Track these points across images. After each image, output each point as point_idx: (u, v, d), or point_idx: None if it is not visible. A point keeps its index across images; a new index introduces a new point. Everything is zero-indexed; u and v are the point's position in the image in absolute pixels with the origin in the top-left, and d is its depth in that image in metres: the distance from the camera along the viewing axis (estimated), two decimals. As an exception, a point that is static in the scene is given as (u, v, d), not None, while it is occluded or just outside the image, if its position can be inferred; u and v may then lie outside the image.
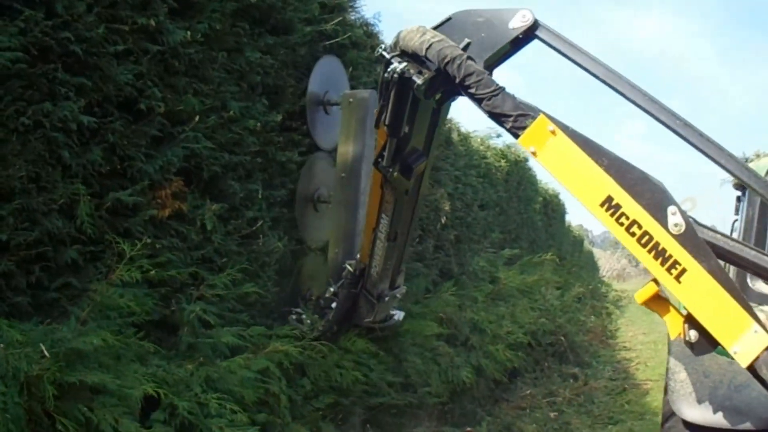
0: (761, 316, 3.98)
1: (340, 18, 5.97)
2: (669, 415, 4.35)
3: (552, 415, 9.40)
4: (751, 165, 4.94)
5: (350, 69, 6.17)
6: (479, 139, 10.86)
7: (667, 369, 4.44)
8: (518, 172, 13.09)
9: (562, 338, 11.87)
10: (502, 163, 11.88)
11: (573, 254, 21.45)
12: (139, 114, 4.02)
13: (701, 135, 3.46)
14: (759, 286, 4.76)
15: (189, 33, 4.23)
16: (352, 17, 6.54)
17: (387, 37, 7.00)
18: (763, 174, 4.69)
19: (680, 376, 4.23)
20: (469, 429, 7.39)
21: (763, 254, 3.55)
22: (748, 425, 3.83)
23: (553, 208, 17.32)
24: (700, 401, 4.03)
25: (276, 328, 4.62)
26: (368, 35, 6.77)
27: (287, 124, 5.49)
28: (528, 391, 9.95)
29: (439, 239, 8.41)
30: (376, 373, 5.19)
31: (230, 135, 4.72)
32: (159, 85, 4.12)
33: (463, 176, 9.47)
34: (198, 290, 4.14)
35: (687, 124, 3.47)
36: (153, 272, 3.77)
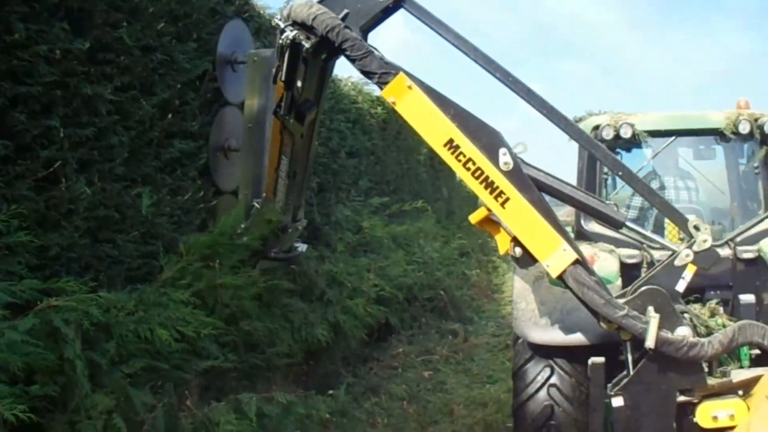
0: (591, 251, 5.34)
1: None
2: (516, 338, 5.47)
3: (426, 374, 9.31)
4: (582, 123, 6.22)
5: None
6: (350, 84, 10.49)
7: (512, 300, 5.50)
8: (398, 120, 12.72)
9: (442, 292, 11.75)
10: (379, 110, 11.58)
11: (464, 209, 21.38)
12: None
13: (529, 90, 4.55)
14: (591, 226, 5.79)
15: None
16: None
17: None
18: (589, 131, 5.90)
19: (521, 305, 5.29)
20: None
21: (579, 190, 4.71)
22: (576, 340, 4.95)
23: (440, 161, 17.06)
24: (538, 325, 5.13)
25: (51, 280, 4.14)
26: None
27: (100, 56, 5.05)
28: (401, 350, 9.77)
29: (299, 187, 8.05)
30: (193, 328, 4.78)
31: (16, 62, 4.29)
32: None
33: (329, 120, 9.12)
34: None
35: (518, 82, 4.56)
36: None
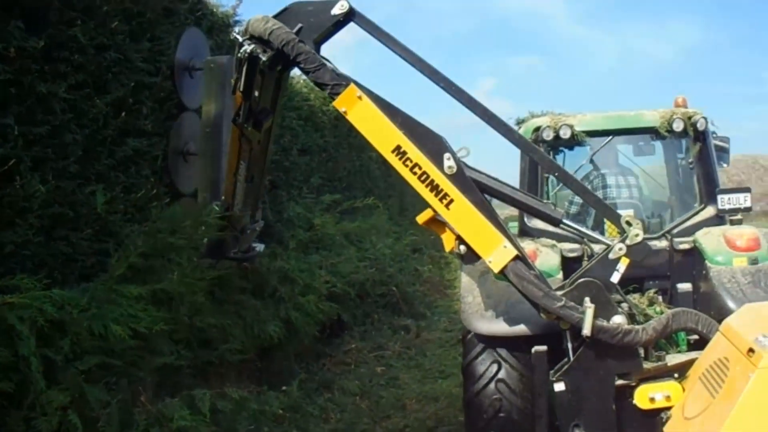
0: (534, 246, 5.64)
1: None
2: (464, 331, 5.62)
3: (379, 370, 9.39)
4: (524, 125, 6.60)
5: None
6: (302, 81, 10.56)
7: (460, 295, 5.71)
8: (350, 117, 12.80)
9: (394, 288, 11.85)
10: (331, 107, 11.59)
11: (416, 206, 21.46)
12: None
13: (471, 99, 4.90)
14: (534, 222, 5.99)
15: None
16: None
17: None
18: (530, 132, 6.27)
19: (468, 299, 5.52)
20: None
21: (518, 191, 5.09)
22: (520, 331, 5.11)
23: (393, 157, 17.14)
24: (485, 317, 5.33)
25: (5, 278, 4.21)
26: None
27: (54, 54, 5.13)
28: (354, 346, 9.87)
29: (251, 185, 8.11)
30: (146, 324, 4.85)
31: (-31, 59, 4.32)
32: None
33: (281, 118, 9.19)
34: None
35: (461, 91, 4.89)
36: None
